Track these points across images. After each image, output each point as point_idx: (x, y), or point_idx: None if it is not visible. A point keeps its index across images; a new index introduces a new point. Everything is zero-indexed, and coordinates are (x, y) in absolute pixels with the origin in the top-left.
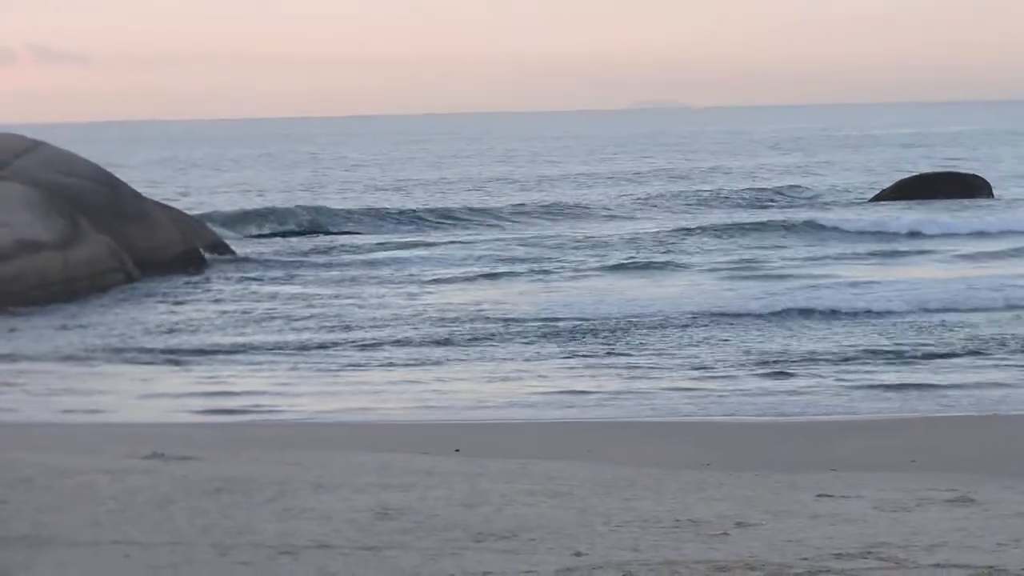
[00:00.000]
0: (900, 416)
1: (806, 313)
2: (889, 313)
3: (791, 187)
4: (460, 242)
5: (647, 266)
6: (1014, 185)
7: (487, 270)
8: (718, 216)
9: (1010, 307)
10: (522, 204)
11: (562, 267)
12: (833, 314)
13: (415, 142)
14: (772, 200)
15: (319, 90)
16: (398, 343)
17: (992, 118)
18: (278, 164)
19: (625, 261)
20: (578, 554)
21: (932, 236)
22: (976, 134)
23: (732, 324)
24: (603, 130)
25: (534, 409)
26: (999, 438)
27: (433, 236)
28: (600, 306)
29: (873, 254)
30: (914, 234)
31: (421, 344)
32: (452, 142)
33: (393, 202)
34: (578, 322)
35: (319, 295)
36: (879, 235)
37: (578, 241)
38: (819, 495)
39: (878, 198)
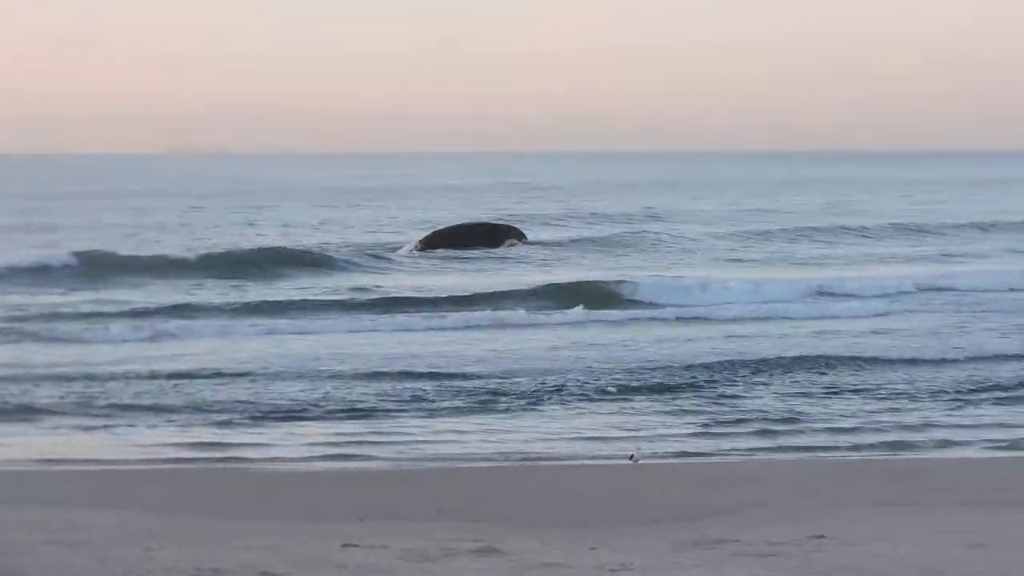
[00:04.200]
0: (426, 466)
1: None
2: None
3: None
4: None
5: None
6: (544, 234)
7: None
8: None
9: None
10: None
11: None
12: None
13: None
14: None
15: None
16: None
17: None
18: None
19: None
20: None
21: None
22: (526, 186)
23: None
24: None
25: (61, 457)
26: (525, 487)
27: None
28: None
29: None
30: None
31: None
32: None
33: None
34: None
35: None
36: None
37: None
38: (345, 544)
39: (421, 247)
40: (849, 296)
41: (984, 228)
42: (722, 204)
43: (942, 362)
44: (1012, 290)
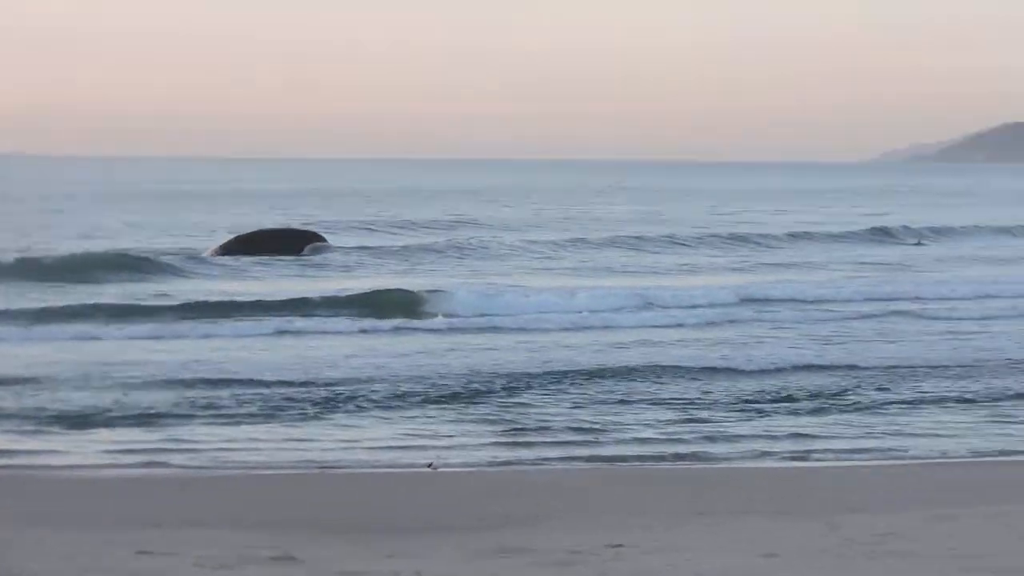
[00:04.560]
0: (223, 473)
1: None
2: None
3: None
4: None
5: None
6: (349, 240)
7: None
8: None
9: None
10: None
11: None
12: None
13: None
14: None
15: None
16: None
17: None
18: None
19: None
20: None
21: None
22: (336, 192)
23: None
24: None
25: None
26: (323, 495)
27: None
28: None
29: None
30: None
31: None
32: None
33: None
34: None
35: None
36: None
37: None
38: (139, 552)
39: (221, 252)
40: (663, 306)
41: (796, 237)
42: (532, 211)
43: (741, 372)
44: (821, 301)
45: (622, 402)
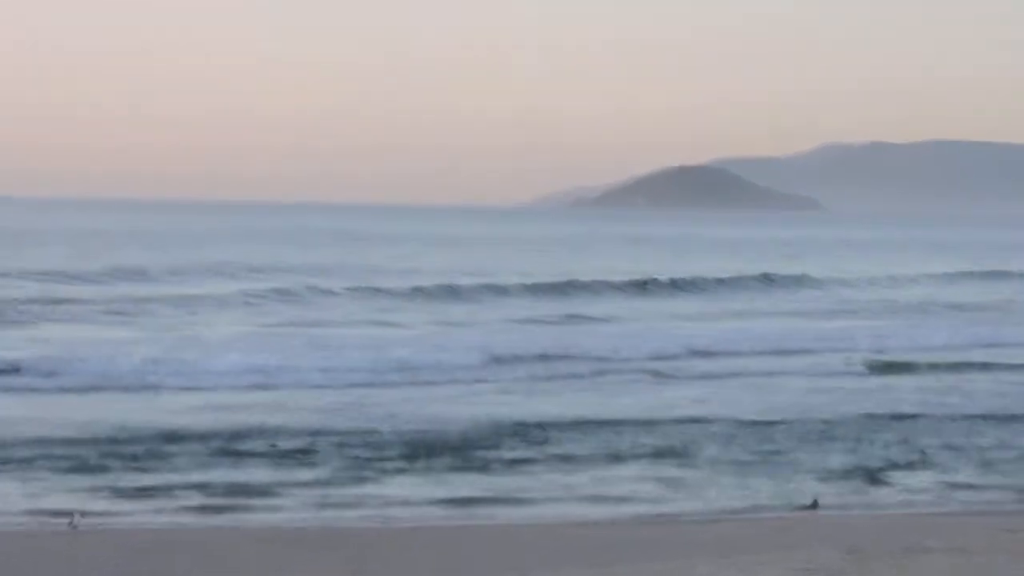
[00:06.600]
0: None
1: None
2: None
3: None
4: None
5: None
6: None
7: None
8: None
9: None
10: None
11: None
12: None
13: None
14: None
15: None
16: None
17: None
18: None
19: None
20: None
21: None
22: None
23: None
24: None
25: None
26: None
27: None
28: None
29: None
30: None
31: None
32: None
33: None
34: None
35: None
36: None
37: None
38: None
39: None
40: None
41: (490, 289)
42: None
43: (386, 432)
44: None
45: (266, 456)
